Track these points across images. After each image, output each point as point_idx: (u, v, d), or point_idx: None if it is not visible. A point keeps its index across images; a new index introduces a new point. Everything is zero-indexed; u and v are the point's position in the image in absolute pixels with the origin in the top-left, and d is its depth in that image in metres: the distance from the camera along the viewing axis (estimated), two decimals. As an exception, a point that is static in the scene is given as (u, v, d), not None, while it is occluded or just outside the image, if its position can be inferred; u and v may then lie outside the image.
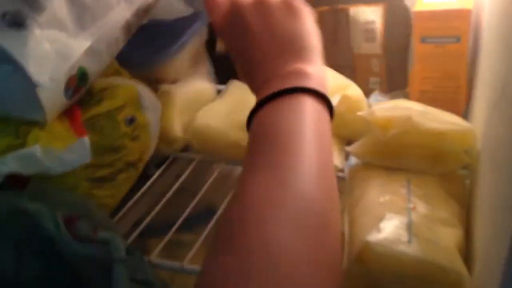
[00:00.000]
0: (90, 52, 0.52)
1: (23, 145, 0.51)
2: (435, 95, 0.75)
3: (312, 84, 0.37)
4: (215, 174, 0.72)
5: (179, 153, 0.77)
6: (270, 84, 0.38)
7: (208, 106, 0.78)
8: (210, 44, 0.88)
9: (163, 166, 0.75)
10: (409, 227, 0.43)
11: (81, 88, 0.53)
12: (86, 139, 0.52)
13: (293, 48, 0.41)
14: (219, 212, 0.64)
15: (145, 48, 0.74)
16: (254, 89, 0.42)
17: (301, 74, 0.38)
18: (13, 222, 0.45)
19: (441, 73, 0.74)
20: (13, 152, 0.50)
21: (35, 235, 0.44)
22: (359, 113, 0.56)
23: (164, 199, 0.67)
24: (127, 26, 0.56)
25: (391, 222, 0.44)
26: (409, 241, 0.42)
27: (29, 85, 0.48)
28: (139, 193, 0.68)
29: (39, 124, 0.52)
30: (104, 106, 0.57)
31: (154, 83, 0.74)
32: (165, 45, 0.76)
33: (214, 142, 0.73)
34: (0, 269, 0.43)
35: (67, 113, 0.55)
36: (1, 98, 0.49)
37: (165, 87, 0.73)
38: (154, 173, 0.73)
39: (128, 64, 0.69)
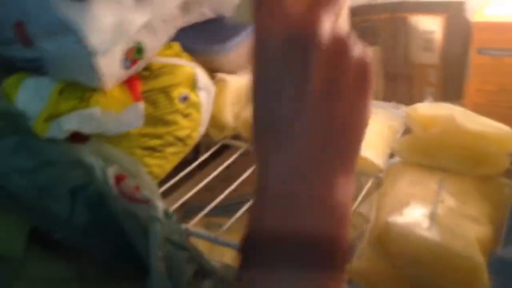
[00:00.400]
0: (147, 27, 0.57)
1: (85, 106, 0.57)
2: (489, 109, 0.74)
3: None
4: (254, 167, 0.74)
5: (228, 140, 0.80)
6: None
7: (261, 99, 0.81)
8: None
9: (211, 151, 0.79)
10: (433, 216, 0.44)
11: (138, 60, 0.58)
12: (141, 104, 0.57)
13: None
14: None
15: (207, 39, 0.80)
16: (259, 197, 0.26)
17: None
18: (72, 172, 0.50)
19: (497, 86, 0.72)
20: (75, 111, 0.56)
21: (89, 187, 0.49)
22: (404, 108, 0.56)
23: (205, 182, 0.70)
24: (184, 6, 0.61)
25: (415, 210, 0.45)
26: (429, 228, 0.42)
27: (90, 54, 0.53)
28: (184, 172, 0.72)
29: (101, 90, 0.58)
30: (161, 82, 0.62)
31: (211, 72, 0.79)
32: (226, 38, 0.80)
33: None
34: (57, 213, 0.47)
35: (127, 82, 0.60)
36: (64, 66, 0.55)
37: (221, 75, 0.77)
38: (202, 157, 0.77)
39: (190, 51, 0.74)
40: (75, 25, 0.50)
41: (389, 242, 0.43)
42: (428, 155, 0.55)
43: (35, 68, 0.55)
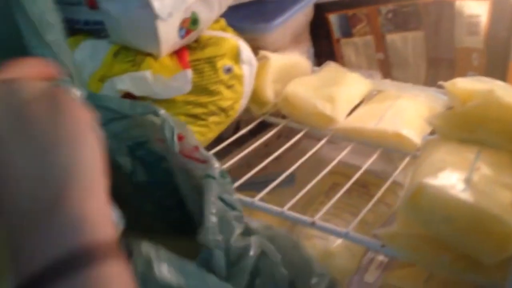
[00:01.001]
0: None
1: (138, 70, 0.60)
2: (533, 92, 0.73)
3: None
4: (292, 141, 0.75)
5: (267, 117, 0.83)
6: None
7: (301, 78, 0.84)
8: (314, 26, 0.94)
9: (250, 126, 0.81)
10: (468, 180, 0.45)
11: (191, 31, 0.62)
12: (189, 71, 0.61)
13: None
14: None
15: (252, 18, 0.82)
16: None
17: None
18: (130, 131, 0.51)
19: (542, 69, 0.72)
20: (128, 73, 0.60)
21: (146, 144, 0.50)
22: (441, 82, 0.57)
23: (240, 155, 0.72)
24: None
25: (451, 174, 0.46)
26: (464, 189, 0.43)
27: (152, 19, 0.57)
28: (223, 144, 0.74)
29: (153, 55, 0.61)
30: (207, 52, 0.65)
31: (255, 50, 0.81)
32: (270, 17, 0.83)
33: (301, 110, 0.78)
34: (119, 172, 0.50)
35: (177, 52, 0.64)
36: (125, 29, 0.59)
37: (264, 53, 0.80)
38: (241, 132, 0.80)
39: (235, 29, 0.77)
40: None
41: (423, 203, 0.45)
42: (465, 129, 0.56)
43: (95, 31, 0.59)
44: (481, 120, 0.55)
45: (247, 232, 0.45)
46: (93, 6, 0.56)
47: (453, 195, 0.43)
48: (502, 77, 0.80)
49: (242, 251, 0.41)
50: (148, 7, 0.55)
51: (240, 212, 0.47)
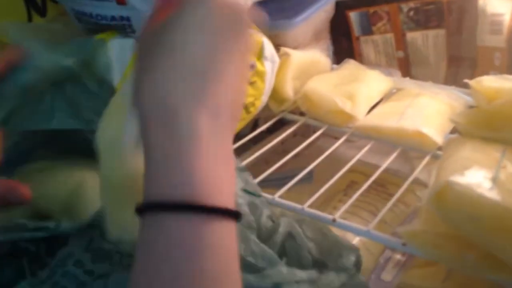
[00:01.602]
0: None
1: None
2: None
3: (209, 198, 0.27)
4: (311, 138, 0.76)
5: (286, 114, 0.83)
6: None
7: (321, 75, 0.84)
8: (334, 23, 0.94)
9: (269, 123, 0.81)
10: (494, 179, 0.45)
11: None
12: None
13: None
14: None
15: (273, 14, 0.82)
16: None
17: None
18: None
19: None
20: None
21: None
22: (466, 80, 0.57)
23: (259, 152, 0.72)
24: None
25: (477, 172, 0.46)
26: (491, 188, 0.43)
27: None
28: (242, 140, 0.75)
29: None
30: (231, 48, 0.65)
31: (276, 46, 0.81)
32: (291, 14, 0.83)
33: (321, 107, 0.78)
34: None
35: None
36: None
37: (285, 49, 0.80)
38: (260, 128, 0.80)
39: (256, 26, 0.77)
40: None
41: (449, 200, 0.44)
42: (491, 127, 0.55)
43: (121, 27, 0.59)
44: (507, 118, 0.54)
45: (273, 216, 0.47)
46: (121, 1, 0.56)
47: (480, 193, 0.43)
48: (525, 77, 0.80)
49: (271, 231, 0.43)
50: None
51: (264, 199, 0.49)
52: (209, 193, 0.27)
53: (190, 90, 0.28)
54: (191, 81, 0.28)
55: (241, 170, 0.51)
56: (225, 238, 0.27)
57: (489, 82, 0.55)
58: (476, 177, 0.45)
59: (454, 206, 0.44)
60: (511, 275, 0.44)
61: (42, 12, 0.67)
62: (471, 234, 0.45)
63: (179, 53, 0.29)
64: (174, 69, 0.29)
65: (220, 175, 0.28)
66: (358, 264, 0.46)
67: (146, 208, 0.27)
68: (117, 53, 0.59)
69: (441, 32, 0.88)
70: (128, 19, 0.57)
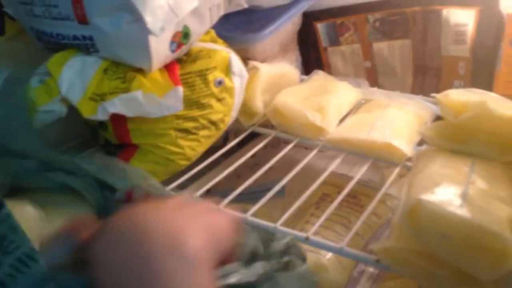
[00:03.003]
0: (195, 13, 0.59)
1: (128, 89, 0.59)
2: (519, 101, 0.74)
3: None
4: (283, 153, 0.75)
5: (256, 128, 0.82)
6: None
7: (290, 88, 0.83)
8: (302, 35, 0.94)
9: (240, 138, 0.81)
10: (464, 195, 0.45)
11: (183, 45, 0.61)
12: (180, 88, 0.60)
13: None
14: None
15: (240, 28, 0.82)
16: None
17: None
18: None
19: (529, 78, 0.73)
20: (120, 95, 0.58)
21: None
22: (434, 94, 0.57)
23: (231, 168, 0.71)
24: (229, -5, 0.63)
25: (447, 189, 0.46)
26: (461, 205, 0.43)
27: (143, 34, 0.56)
28: (213, 157, 0.73)
29: (143, 71, 0.60)
30: (198, 65, 0.64)
31: (244, 60, 0.81)
32: (259, 27, 0.82)
33: (291, 120, 0.78)
34: None
35: (167, 66, 0.62)
36: (116, 44, 0.58)
37: (253, 63, 0.79)
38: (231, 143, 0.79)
39: (224, 40, 0.76)
40: (132, 4, 0.52)
41: (420, 219, 0.44)
42: (458, 140, 0.56)
43: (84, 46, 0.57)
44: (474, 132, 0.55)
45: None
46: (84, 21, 0.54)
47: (451, 211, 0.43)
48: (488, 86, 0.81)
49: None
50: (140, 22, 0.54)
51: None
52: None
53: None
54: None
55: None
56: None
57: (456, 96, 0.56)
58: (446, 194, 0.45)
59: (425, 224, 0.44)
60: (483, 291, 0.45)
61: (1, 31, 0.64)
62: (442, 252, 0.45)
63: None
64: None
65: None
66: (298, 254, 0.45)
67: None
68: (79, 70, 0.58)
69: (407, 42, 0.89)
70: (91, 38, 0.56)
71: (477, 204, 0.44)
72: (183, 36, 0.60)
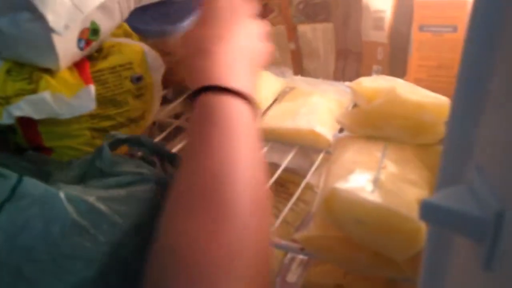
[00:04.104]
0: (103, 8, 0.56)
1: (34, 90, 0.56)
2: (429, 84, 0.77)
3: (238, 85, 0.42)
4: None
5: (182, 122, 0.81)
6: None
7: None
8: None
9: (166, 132, 0.79)
10: (376, 181, 0.46)
11: (92, 41, 0.58)
12: (92, 87, 0.57)
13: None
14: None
15: (158, 20, 0.79)
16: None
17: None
18: None
19: (437, 62, 0.76)
20: (26, 97, 0.55)
21: None
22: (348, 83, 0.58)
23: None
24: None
25: (360, 176, 0.47)
26: (372, 191, 0.45)
27: (46, 32, 0.52)
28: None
29: (51, 71, 0.57)
30: (110, 61, 0.62)
31: (164, 55, 0.79)
32: (177, 19, 0.80)
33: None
34: None
35: (77, 64, 0.59)
36: (18, 44, 0.54)
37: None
38: (157, 138, 0.77)
39: (141, 33, 0.74)
40: (33, 2, 0.49)
41: (335, 206, 0.46)
42: (372, 126, 0.57)
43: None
44: (386, 117, 0.57)
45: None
46: None
47: (363, 197, 0.44)
48: (403, 70, 0.84)
49: None
50: (42, 20, 0.51)
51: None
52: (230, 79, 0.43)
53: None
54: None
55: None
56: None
57: (367, 83, 0.58)
58: (359, 180, 0.47)
59: (340, 211, 0.46)
60: (400, 271, 0.47)
61: None
62: (358, 236, 0.46)
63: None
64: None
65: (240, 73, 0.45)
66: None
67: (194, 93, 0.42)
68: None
69: (329, 26, 0.91)
70: None
71: (388, 188, 0.46)
72: (91, 32, 0.57)
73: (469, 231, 0.24)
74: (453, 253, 0.29)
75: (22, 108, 0.55)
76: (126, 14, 0.62)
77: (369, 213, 0.44)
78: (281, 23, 0.93)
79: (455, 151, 0.27)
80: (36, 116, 0.56)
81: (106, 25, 0.59)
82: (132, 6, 0.62)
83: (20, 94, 0.55)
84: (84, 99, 0.57)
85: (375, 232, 0.45)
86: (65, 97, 0.57)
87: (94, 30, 0.57)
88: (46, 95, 0.56)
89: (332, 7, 0.89)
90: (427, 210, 0.25)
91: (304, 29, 0.93)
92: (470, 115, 0.26)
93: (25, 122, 0.59)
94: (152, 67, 0.67)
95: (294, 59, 0.96)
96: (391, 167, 0.50)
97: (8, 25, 0.51)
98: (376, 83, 0.57)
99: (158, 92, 0.69)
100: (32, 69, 0.56)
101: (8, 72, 0.55)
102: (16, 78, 0.56)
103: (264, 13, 0.50)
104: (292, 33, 0.94)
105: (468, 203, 0.25)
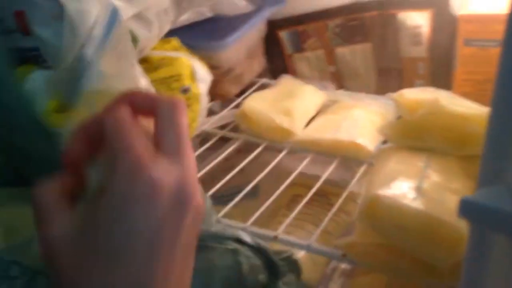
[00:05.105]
0: (139, 18, 0.60)
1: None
2: (476, 98, 0.77)
3: None
4: (252, 155, 0.77)
5: (226, 132, 0.84)
6: None
7: (258, 93, 0.85)
8: (267, 42, 0.96)
9: (210, 143, 0.82)
10: (418, 189, 0.47)
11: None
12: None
13: None
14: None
15: (205, 36, 0.83)
16: None
17: None
18: None
19: (483, 76, 0.76)
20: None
21: None
22: (391, 94, 0.60)
23: (204, 171, 0.73)
24: (177, 1, 0.65)
25: (402, 184, 0.48)
26: (415, 198, 0.46)
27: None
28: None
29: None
30: (160, 73, 0.66)
31: (211, 69, 0.82)
32: (223, 34, 0.84)
33: (259, 124, 0.79)
34: None
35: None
36: (61, 56, 0.58)
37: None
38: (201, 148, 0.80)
39: (189, 48, 0.78)
40: (69, 11, 0.52)
41: (378, 213, 0.47)
42: (415, 137, 0.58)
43: (32, 58, 0.57)
44: (428, 128, 0.57)
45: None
46: (26, 31, 0.54)
47: (405, 204, 0.45)
48: (447, 84, 0.84)
49: None
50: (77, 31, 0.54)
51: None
52: None
53: None
54: None
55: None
56: None
57: (410, 95, 0.59)
58: (402, 188, 0.47)
59: (382, 217, 0.46)
60: (441, 279, 0.47)
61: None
62: (400, 243, 0.47)
63: None
64: None
65: None
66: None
67: None
68: (40, 84, 0.58)
69: (367, 46, 0.92)
70: (37, 49, 0.55)
71: (431, 196, 0.47)
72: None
73: (507, 229, 0.25)
74: (494, 255, 0.29)
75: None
76: (167, 28, 0.66)
77: (411, 220, 0.45)
78: (320, 47, 0.95)
79: (494, 152, 0.28)
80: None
81: (144, 34, 0.62)
82: (174, 20, 0.66)
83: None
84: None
85: (417, 238, 0.45)
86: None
87: (133, 38, 0.61)
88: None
89: (369, 27, 0.91)
90: (466, 207, 0.26)
91: (343, 51, 0.94)
92: (510, 116, 0.27)
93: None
94: (199, 78, 0.70)
95: (335, 81, 0.97)
96: (434, 176, 0.50)
97: (51, 35, 0.54)
98: (418, 95, 0.58)
99: (205, 103, 0.73)
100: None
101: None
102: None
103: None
104: (331, 56, 0.95)
105: (507, 202, 0.25)
